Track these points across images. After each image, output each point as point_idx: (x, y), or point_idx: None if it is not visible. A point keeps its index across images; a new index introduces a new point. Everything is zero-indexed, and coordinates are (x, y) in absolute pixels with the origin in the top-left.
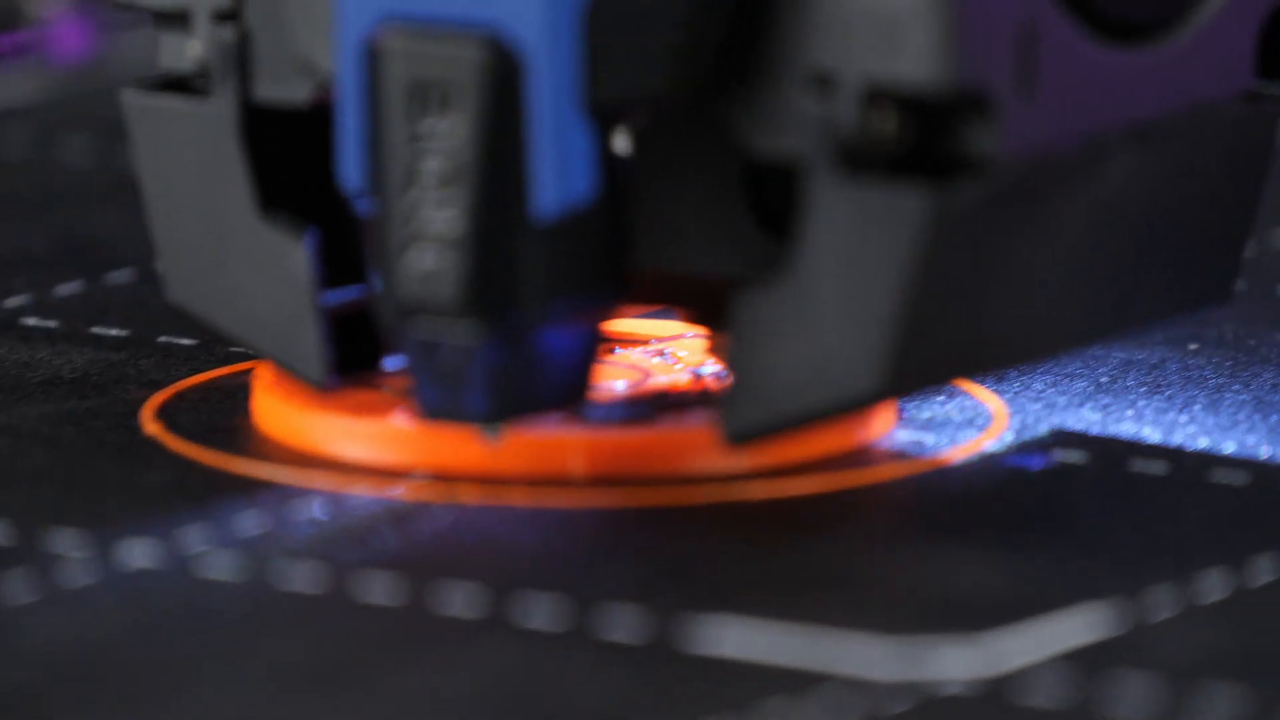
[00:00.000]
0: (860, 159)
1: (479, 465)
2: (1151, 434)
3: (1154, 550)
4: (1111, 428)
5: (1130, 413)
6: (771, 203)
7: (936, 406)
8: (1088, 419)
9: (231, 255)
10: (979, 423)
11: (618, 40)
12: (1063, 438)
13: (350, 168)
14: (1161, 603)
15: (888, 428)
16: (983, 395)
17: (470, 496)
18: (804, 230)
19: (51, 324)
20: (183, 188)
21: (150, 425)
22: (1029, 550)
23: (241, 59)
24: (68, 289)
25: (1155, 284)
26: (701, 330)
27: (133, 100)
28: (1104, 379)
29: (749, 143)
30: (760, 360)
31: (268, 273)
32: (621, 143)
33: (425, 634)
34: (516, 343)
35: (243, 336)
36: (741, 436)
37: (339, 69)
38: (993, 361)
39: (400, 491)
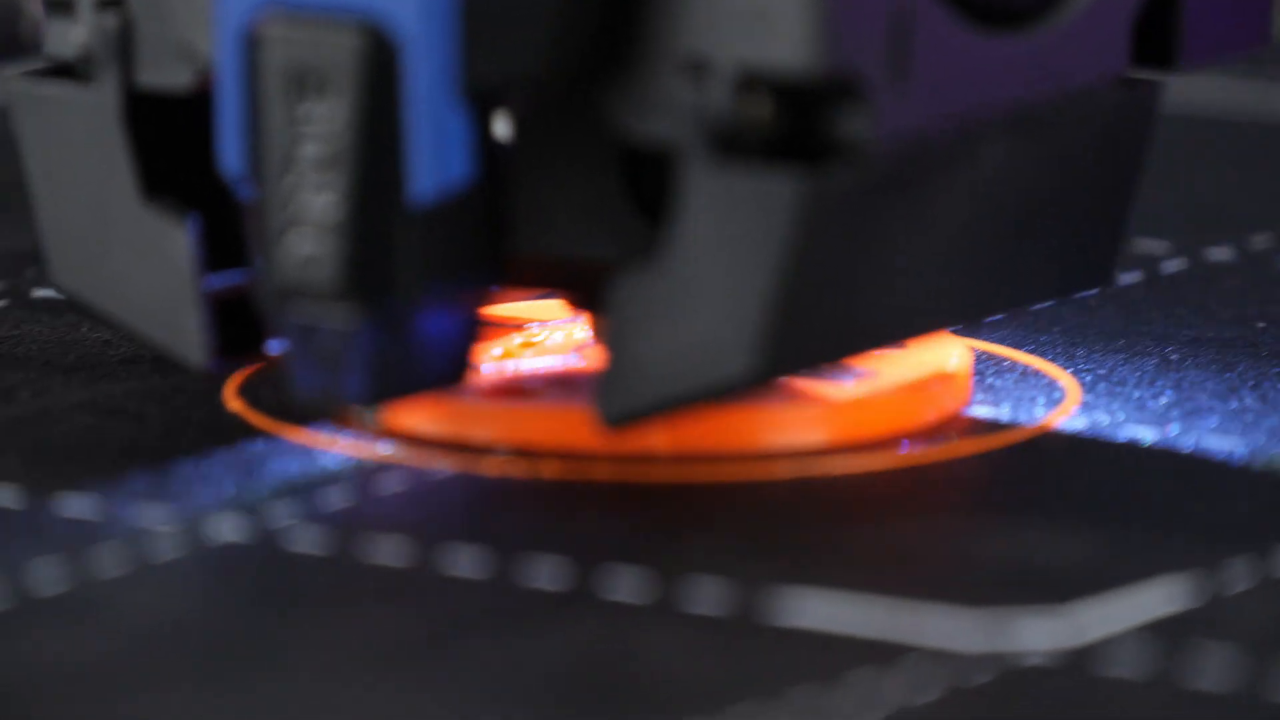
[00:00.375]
0: (734, 144)
1: (562, 440)
2: (1221, 411)
3: (1228, 524)
4: (1183, 405)
5: (1201, 391)
6: (648, 187)
7: (1011, 383)
8: (1160, 396)
9: (115, 241)
10: (1053, 399)
11: (492, 25)
12: (1135, 415)
13: (230, 153)
14: (1238, 575)
15: (964, 403)
16: (1056, 372)
17: (553, 472)
18: (679, 215)
19: None
20: (67, 174)
21: (233, 402)
22: (1106, 524)
23: (124, 46)
24: None
25: (1033, 268)
26: (579, 314)
27: (17, 86)
28: (1174, 356)
29: (625, 128)
30: (636, 344)
31: (150, 258)
32: (501, 128)
33: (511, 609)
34: (394, 326)
35: (126, 321)
36: (618, 419)
37: (219, 55)
38: (868, 343)
39: (484, 467)
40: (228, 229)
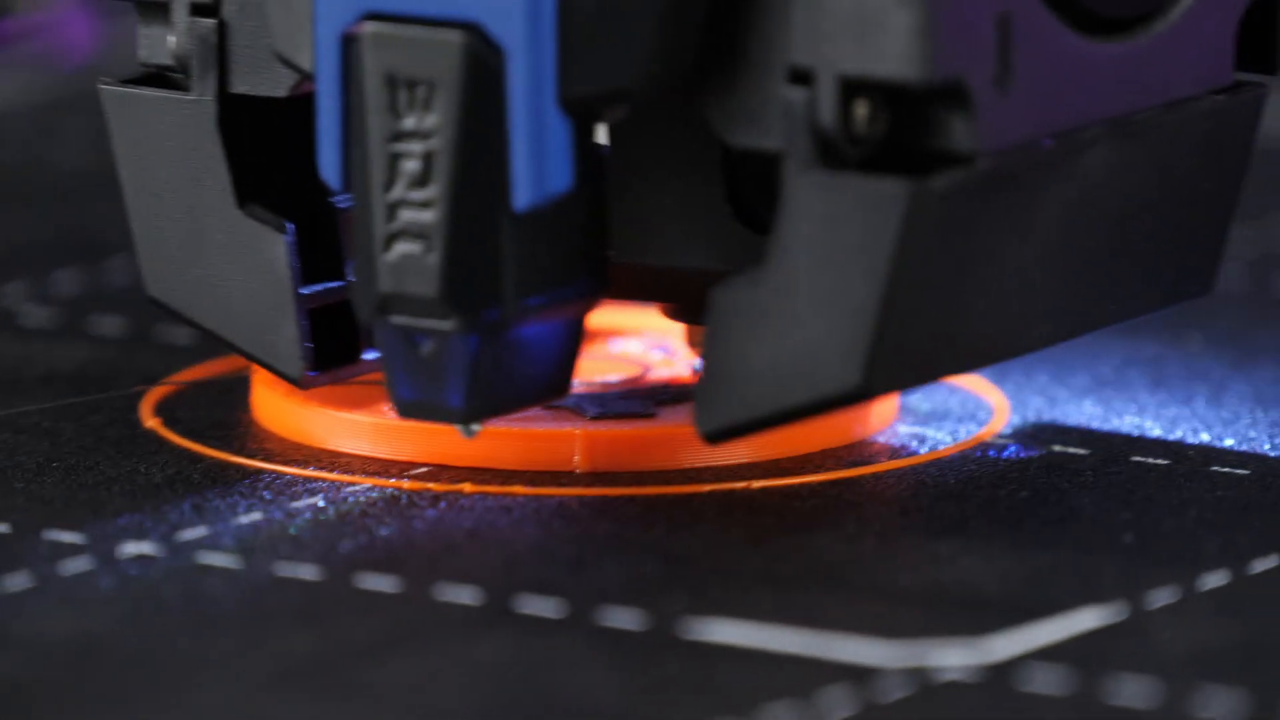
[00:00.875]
0: (838, 153)
1: (478, 458)
2: (1152, 428)
3: (1154, 544)
4: (1112, 422)
5: (1132, 406)
6: (750, 197)
7: (937, 400)
8: (1088, 413)
9: (210, 249)
10: (980, 417)
11: (595, 34)
12: (1063, 432)
13: (330, 163)
14: (1161, 597)
15: (888, 421)
16: (983, 389)
17: (469, 490)
18: (782, 224)
19: (48, 318)
20: (162, 181)
21: (149, 419)
22: (1028, 545)
23: (220, 52)
24: (65, 283)
25: (1137, 277)
26: (682, 324)
27: (111, 93)
28: (1105, 372)
29: (728, 137)
30: (738, 355)
31: (247, 266)
32: (601, 135)
33: (425, 626)
34: (495, 337)
35: (221, 331)
36: (717, 433)
37: (318, 63)
38: (974, 358)
39: (399, 485)
40: (325, 238)
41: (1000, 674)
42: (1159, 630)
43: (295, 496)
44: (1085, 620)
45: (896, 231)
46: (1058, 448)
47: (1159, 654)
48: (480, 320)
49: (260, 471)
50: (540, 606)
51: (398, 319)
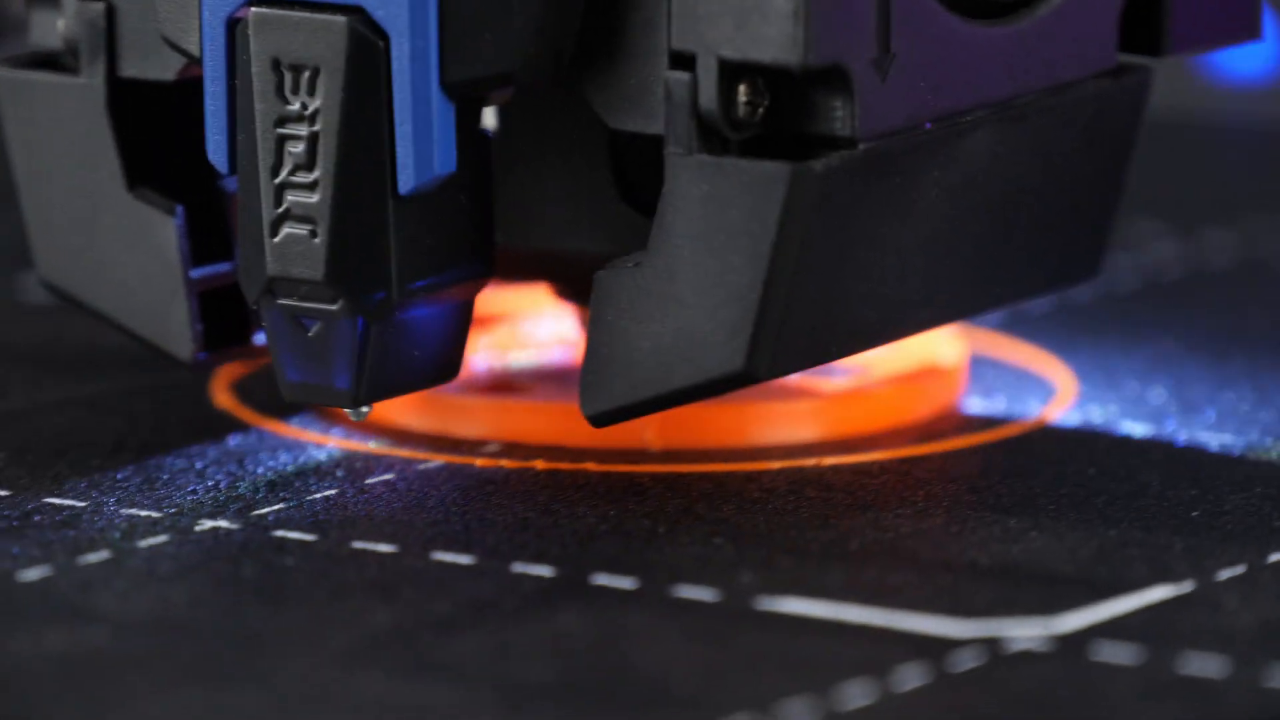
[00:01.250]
0: (720, 137)
1: (552, 436)
2: (1218, 405)
3: (1220, 520)
4: (1178, 399)
5: (1198, 384)
6: (635, 180)
7: (1005, 377)
8: (1155, 390)
9: (101, 232)
10: (1047, 394)
11: (477, 19)
12: (1130, 409)
13: (217, 146)
14: (1229, 573)
15: (957, 398)
16: (1050, 366)
17: (541, 467)
18: (665, 208)
19: None
20: (53, 164)
21: (222, 397)
22: (1096, 521)
23: (109, 36)
24: None
25: (1022, 261)
26: (570, 306)
27: (2, 76)
28: (1171, 350)
29: (610, 121)
30: (622, 338)
31: (137, 249)
32: (488, 120)
33: (501, 600)
34: (382, 320)
35: (112, 314)
36: (602, 416)
37: (204, 48)
38: (858, 341)
39: (472, 462)
40: (215, 221)
41: (1071, 646)
42: (1227, 604)
43: (369, 473)
44: (1155, 596)
45: (778, 215)
46: (1125, 425)
47: (1227, 627)
48: (366, 303)
49: (334, 448)
50: (614, 581)
51: (285, 301)
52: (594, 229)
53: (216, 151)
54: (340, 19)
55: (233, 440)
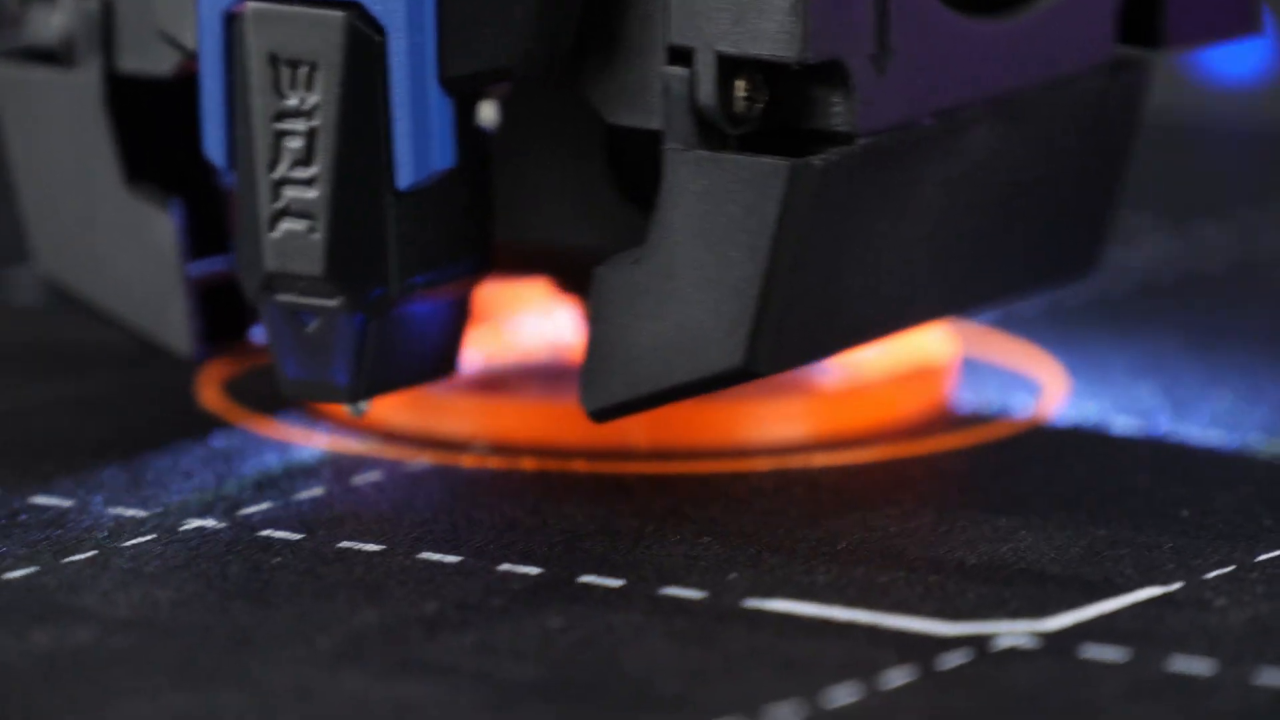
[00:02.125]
0: (718, 132)
1: (539, 436)
2: (1208, 405)
3: (1210, 520)
4: (1169, 399)
5: (1189, 385)
6: (634, 175)
7: (994, 377)
8: (1146, 390)
9: (98, 227)
10: (1037, 394)
11: (475, 14)
12: (1119, 409)
13: (214, 141)
14: (1219, 573)
15: (948, 397)
16: (1041, 366)
17: (529, 466)
18: (664, 203)
19: None
20: (50, 159)
21: (211, 395)
22: (1085, 521)
23: (106, 31)
24: None
25: (1021, 255)
26: (570, 300)
27: None
28: (1163, 351)
29: (608, 116)
30: (621, 334)
31: (134, 243)
32: (487, 115)
33: (487, 599)
34: (381, 315)
35: (110, 308)
36: (601, 411)
37: (201, 42)
38: (857, 336)
39: (459, 461)
40: (213, 216)
41: (1059, 646)
42: (1215, 604)
43: (356, 472)
44: (1143, 595)
45: (777, 210)
46: (1114, 425)
47: (1215, 627)
48: (365, 298)
49: (321, 447)
50: (601, 581)
51: (283, 297)
52: (592, 224)
53: (213, 147)
54: (338, 14)
55: (219, 440)
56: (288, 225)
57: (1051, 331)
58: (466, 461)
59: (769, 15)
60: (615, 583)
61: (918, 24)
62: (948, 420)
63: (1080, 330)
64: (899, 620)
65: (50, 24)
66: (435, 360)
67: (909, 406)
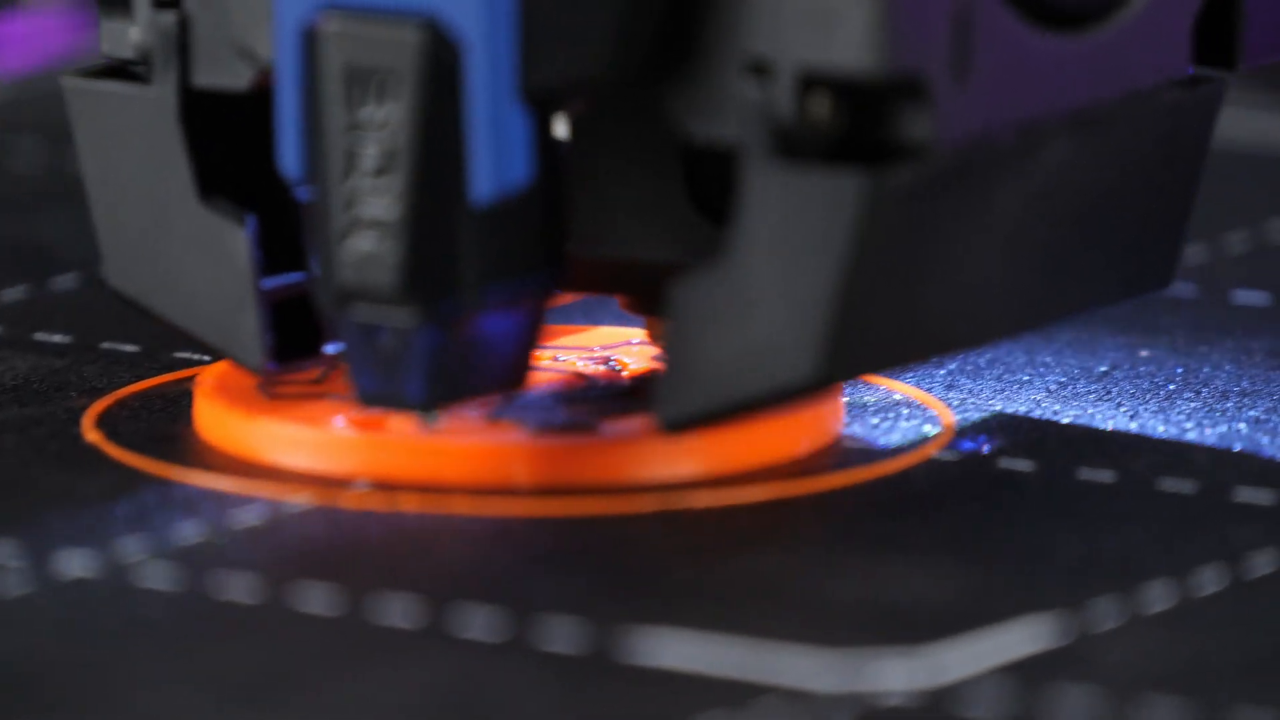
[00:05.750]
0: (796, 145)
1: (421, 474)
2: (1099, 441)
3: (1099, 560)
4: (1059, 435)
5: (1079, 419)
6: (709, 188)
7: (882, 412)
8: (1034, 425)
9: (172, 241)
10: (925, 429)
11: (554, 26)
12: (1008, 445)
13: (289, 155)
14: (1105, 614)
15: (833, 435)
16: (929, 402)
17: (411, 505)
18: (740, 216)
19: None
20: (124, 173)
21: (91, 433)
22: (972, 560)
23: (182, 45)
24: (11, 294)
25: (1095, 269)
26: (642, 317)
27: (74, 86)
28: (1053, 385)
29: (686, 129)
30: (697, 347)
31: (208, 258)
32: (560, 128)
33: (363, 645)
34: (454, 328)
35: (183, 323)
36: (678, 424)
37: (277, 56)
38: (933, 348)
39: (340, 500)
40: (286, 230)
41: (941, 696)
42: (1102, 644)
43: (235, 512)
44: (1027, 634)
45: (853, 223)
46: (1002, 461)
47: (1102, 666)
48: (439, 312)
49: (201, 486)
50: (478, 625)
51: (357, 311)
52: (668, 238)
53: (289, 160)
54: (414, 27)
55: (99, 477)
56: (362, 239)
57: (938, 365)
58: (346, 500)
59: (848, 26)
60: (492, 629)
61: (997, 37)
62: (832, 457)
63: (970, 363)
64: (777, 661)
65: (126, 39)
66: (506, 372)
67: (796, 444)
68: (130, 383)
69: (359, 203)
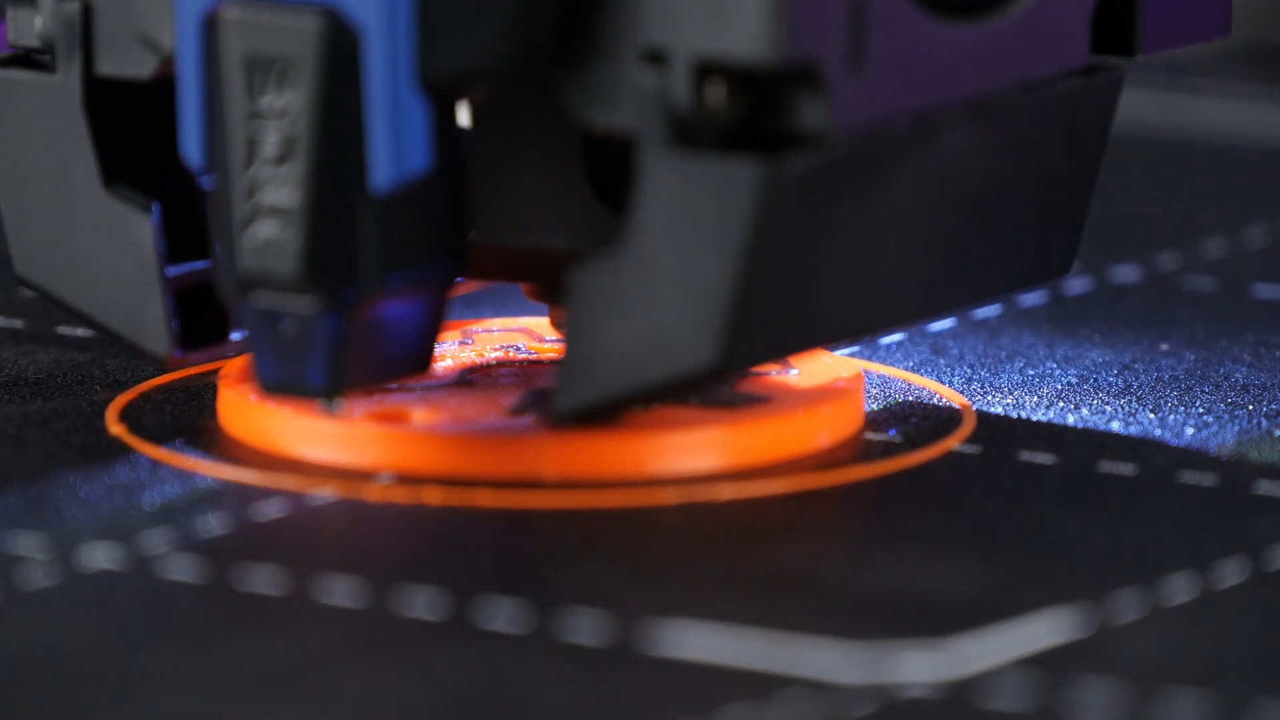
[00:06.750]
0: (693, 134)
1: (444, 466)
2: (1120, 434)
3: (1120, 553)
4: (1081, 428)
5: (1100, 413)
6: (608, 176)
7: (905, 406)
8: (1056, 419)
9: (78, 229)
10: (947, 424)
11: (452, 15)
12: (1030, 439)
13: (192, 143)
14: (1126, 606)
15: (857, 427)
16: (950, 395)
17: (434, 498)
18: (639, 204)
19: (17, 324)
20: (29, 162)
21: (115, 426)
22: (995, 552)
23: (85, 34)
24: None
25: (995, 257)
26: (546, 305)
27: None
28: (1074, 379)
29: (585, 117)
30: (596, 334)
31: (113, 246)
32: (461, 116)
33: (387, 637)
34: (356, 315)
35: (90, 311)
36: (575, 412)
37: (179, 45)
38: (831, 335)
39: (364, 493)
40: (191, 218)
41: (964, 687)
42: (1126, 637)
43: (259, 505)
44: (1051, 628)
45: (751, 211)
46: (1025, 455)
47: (1126, 660)
48: (340, 299)
49: (224, 479)
50: (502, 618)
51: (259, 298)
52: (569, 226)
53: (191, 148)
54: (313, 15)
55: (122, 470)
56: (263, 226)
57: (968, 357)
58: (370, 493)
59: (743, 15)
60: (517, 621)
61: (893, 25)
62: (858, 450)
63: (995, 356)
64: (801, 655)
65: (31, 28)
66: (409, 359)
67: (819, 437)
68: (154, 376)
69: (260, 190)
